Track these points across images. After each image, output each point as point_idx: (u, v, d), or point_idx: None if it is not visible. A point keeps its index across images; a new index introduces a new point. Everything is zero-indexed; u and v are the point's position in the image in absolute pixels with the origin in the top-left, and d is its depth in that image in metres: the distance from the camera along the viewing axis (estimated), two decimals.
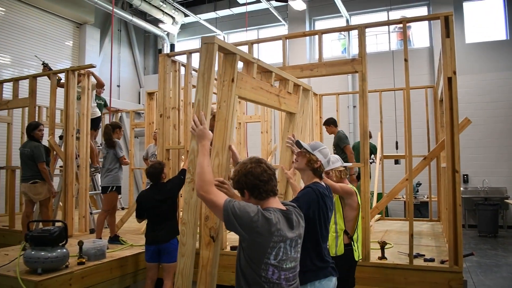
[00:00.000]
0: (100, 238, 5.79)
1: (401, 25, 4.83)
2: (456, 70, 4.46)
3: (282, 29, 14.68)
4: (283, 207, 2.38)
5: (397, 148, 9.45)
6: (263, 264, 2.20)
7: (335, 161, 3.66)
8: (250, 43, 5.24)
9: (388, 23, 5.52)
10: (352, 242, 3.85)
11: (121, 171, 6.09)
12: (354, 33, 13.61)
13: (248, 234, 2.19)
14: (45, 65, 7.65)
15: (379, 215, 8.19)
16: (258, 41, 5.44)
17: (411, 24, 12.32)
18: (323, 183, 3.07)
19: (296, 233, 2.33)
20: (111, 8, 13.04)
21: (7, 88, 8.16)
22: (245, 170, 2.35)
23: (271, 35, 9.63)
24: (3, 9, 11.68)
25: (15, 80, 7.21)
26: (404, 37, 4.88)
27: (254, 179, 2.32)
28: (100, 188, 7.62)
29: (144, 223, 5.57)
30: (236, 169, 2.43)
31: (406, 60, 4.75)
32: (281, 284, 2.25)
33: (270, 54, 13.92)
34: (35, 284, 4.07)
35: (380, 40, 13.54)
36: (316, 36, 5.18)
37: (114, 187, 5.90)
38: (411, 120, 4.82)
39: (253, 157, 2.46)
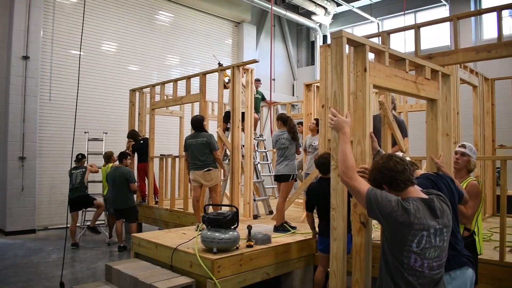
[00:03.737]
0: (284, 223, 6.04)
1: None
2: None
3: (442, 10, 13.62)
4: (425, 196, 2.38)
5: None
6: (405, 251, 2.25)
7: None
8: (417, 27, 4.96)
9: None
10: (474, 236, 3.70)
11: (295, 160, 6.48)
12: None
13: (389, 222, 2.27)
14: (220, 65, 8.31)
15: None
16: (425, 24, 5.07)
17: None
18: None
19: (440, 221, 2.32)
20: (266, 5, 13.62)
21: (179, 86, 9.09)
22: (378, 166, 2.43)
23: (429, 18, 8.99)
24: (172, 15, 13.05)
25: (187, 78, 7.97)
26: None
27: (389, 171, 2.37)
28: (261, 176, 8.06)
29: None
30: (370, 169, 2.53)
31: None
32: (424, 272, 2.27)
33: (428, 38, 13.07)
34: (212, 262, 4.46)
35: None
36: (483, 16, 4.70)
37: (294, 175, 6.29)
38: None
39: (383, 155, 2.55)
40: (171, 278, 4.71)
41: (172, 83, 8.36)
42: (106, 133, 10.20)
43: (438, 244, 2.31)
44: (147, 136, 9.15)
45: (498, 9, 4.60)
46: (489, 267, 4.24)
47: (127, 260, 6.05)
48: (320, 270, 4.90)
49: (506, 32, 12.02)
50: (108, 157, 8.85)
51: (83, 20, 7.50)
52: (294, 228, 5.99)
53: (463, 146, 3.85)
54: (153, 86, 9.00)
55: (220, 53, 14.16)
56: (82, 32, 7.07)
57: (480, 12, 5.20)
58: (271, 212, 7.65)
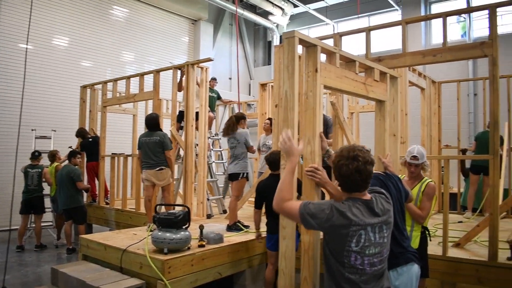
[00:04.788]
0: (237, 222, 6.04)
1: None
2: None
3: (395, 15, 14.06)
4: (367, 197, 2.40)
5: None
6: (345, 251, 2.27)
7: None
8: (368, 30, 5.09)
9: None
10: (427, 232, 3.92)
11: (247, 159, 6.45)
12: (475, 14, 12.55)
13: (327, 228, 2.28)
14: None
15: (505, 213, 7.50)
16: (376, 27, 5.22)
17: None
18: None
19: (380, 219, 2.35)
20: (223, 3, 13.57)
21: (133, 83, 8.90)
22: (338, 165, 2.38)
23: (383, 21, 9.22)
24: (127, 10, 12.76)
25: (141, 75, 7.82)
26: None
27: (341, 177, 2.38)
28: (215, 176, 8.02)
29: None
30: (335, 157, 2.46)
31: None
32: (365, 269, 2.30)
33: (381, 41, 13.39)
34: (162, 262, 4.39)
35: (506, 21, 12.31)
36: (434, 21, 4.90)
37: (245, 174, 6.27)
38: None
39: (352, 151, 2.38)
40: (120, 280, 4.60)
41: (125, 80, 8.17)
42: (55, 130, 9.83)
43: (378, 241, 2.34)
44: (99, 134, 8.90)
45: (444, 15, 4.80)
46: (432, 261, 4.38)
47: (75, 262, 5.86)
48: (270, 268, 4.95)
49: (454, 37, 12.61)
50: (52, 156, 8.52)
51: (31, 11, 7.18)
52: (247, 227, 5.99)
53: (416, 158, 3.85)
54: (105, 82, 8.77)
55: (176, 51, 13.99)
56: (29, 24, 6.77)
57: (427, 17, 5.41)
58: (225, 211, 7.62)
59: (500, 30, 11.91)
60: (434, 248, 4.79)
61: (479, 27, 12.61)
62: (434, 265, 4.41)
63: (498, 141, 4.33)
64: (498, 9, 4.51)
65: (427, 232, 3.93)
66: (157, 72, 7.48)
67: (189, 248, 4.81)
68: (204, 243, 4.95)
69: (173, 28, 14.03)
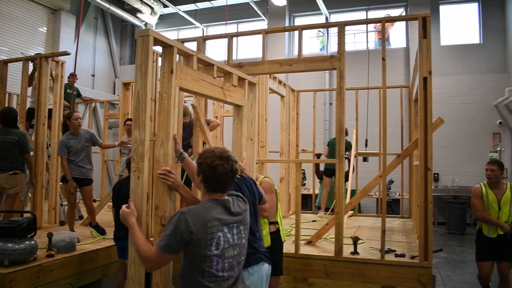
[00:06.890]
0: (73, 230, 5.65)
1: (379, 25, 4.89)
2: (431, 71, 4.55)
3: (262, 24, 14.66)
4: (224, 198, 2.45)
5: (366, 146, 9.61)
6: (207, 256, 2.25)
7: None
8: (230, 36, 5.22)
9: (367, 21, 5.63)
10: (277, 226, 4.01)
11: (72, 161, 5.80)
12: (333, 31, 13.69)
13: (189, 238, 2.22)
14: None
15: (352, 211, 8.30)
16: (238, 34, 5.43)
17: (390, 24, 12.63)
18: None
19: (236, 219, 2.41)
20: None
21: None
22: (210, 163, 2.38)
23: (250, 29, 9.58)
24: None
25: None
26: (383, 37, 4.93)
27: (213, 176, 2.37)
28: None
29: None
30: (205, 155, 2.45)
31: (383, 59, 4.80)
32: (224, 276, 2.31)
33: (249, 49, 13.90)
34: (2, 276, 3.94)
35: (358, 39, 13.68)
36: (296, 32, 5.23)
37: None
38: (386, 118, 4.88)
39: (224, 153, 2.45)
40: None
41: None
42: None
43: (236, 242, 2.37)
44: None
45: (300, 29, 5.16)
46: (286, 259, 4.60)
47: None
48: (121, 277, 4.77)
49: (314, 50, 13.60)
50: None
51: None
52: (103, 233, 5.69)
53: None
54: None
55: (31, 41, 12.73)
56: None
57: (285, 29, 5.74)
58: (81, 217, 7.14)
59: (354, 47, 13.25)
60: (288, 246, 5.05)
61: (337, 42, 13.79)
62: (287, 262, 4.66)
63: (343, 146, 4.76)
64: (348, 28, 4.96)
65: (277, 226, 3.99)
66: (4, 63, 6.74)
67: (35, 259, 4.38)
68: (53, 253, 4.56)
69: (29, 16, 12.70)
